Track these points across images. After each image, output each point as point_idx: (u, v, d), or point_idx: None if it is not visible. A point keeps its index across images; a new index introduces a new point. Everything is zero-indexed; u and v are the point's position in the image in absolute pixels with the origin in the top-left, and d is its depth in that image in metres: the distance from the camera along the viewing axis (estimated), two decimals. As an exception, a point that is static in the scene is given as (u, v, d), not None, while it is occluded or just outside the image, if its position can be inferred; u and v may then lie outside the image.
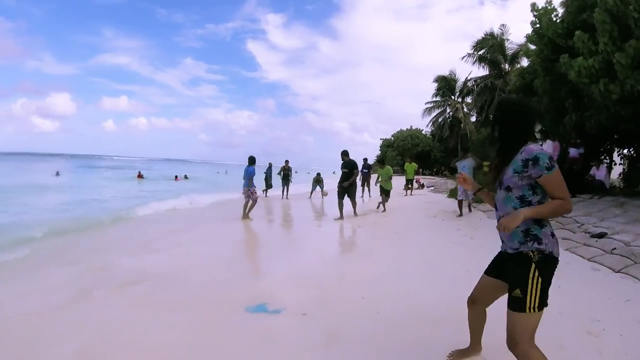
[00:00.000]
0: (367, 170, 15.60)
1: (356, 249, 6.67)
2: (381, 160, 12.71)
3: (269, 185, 16.33)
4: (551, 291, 1.90)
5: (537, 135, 13.87)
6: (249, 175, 9.63)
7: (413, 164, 17.63)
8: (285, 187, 16.02)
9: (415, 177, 19.27)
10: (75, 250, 6.22)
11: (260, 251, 6.76)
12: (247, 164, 9.94)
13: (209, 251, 6.43)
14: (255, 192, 9.84)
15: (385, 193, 10.76)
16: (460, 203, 9.32)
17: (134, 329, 3.36)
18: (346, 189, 9.47)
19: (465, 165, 8.72)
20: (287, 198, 15.70)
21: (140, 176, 30.72)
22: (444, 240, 6.73)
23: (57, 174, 29.74)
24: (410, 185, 17.31)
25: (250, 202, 9.76)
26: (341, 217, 9.32)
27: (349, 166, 9.49)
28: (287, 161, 16.11)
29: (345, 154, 9.58)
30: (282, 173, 16.02)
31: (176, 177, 32.83)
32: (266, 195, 15.79)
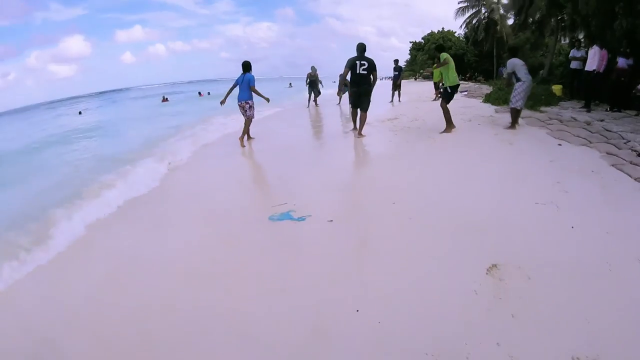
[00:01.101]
0: (397, 73, 14.72)
1: (387, 154, 6.23)
2: (439, 47, 7.97)
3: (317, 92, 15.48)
4: (599, 207, 1.54)
5: (582, 42, 12.46)
6: (249, 84, 7.47)
7: None
8: (313, 94, 15.36)
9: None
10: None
11: (285, 159, 6.37)
12: (242, 72, 7.58)
13: (231, 164, 6.31)
14: (252, 108, 7.73)
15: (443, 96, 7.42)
16: (515, 112, 7.41)
17: (159, 247, 3.33)
18: (358, 95, 7.32)
19: (515, 64, 7.15)
20: (316, 105, 15.11)
21: (165, 100, 29.54)
22: (481, 145, 6.20)
23: (80, 113, 29.01)
24: (437, 89, 14.90)
25: (246, 120, 7.73)
26: (355, 127, 7.80)
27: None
28: (313, 67, 15.27)
29: (357, 48, 7.13)
30: (308, 80, 15.27)
31: (200, 93, 32.99)
32: (317, 104, 15.22)
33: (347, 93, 12.82)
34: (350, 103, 7.90)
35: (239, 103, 7.62)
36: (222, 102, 7.58)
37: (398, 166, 5.29)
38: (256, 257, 2.93)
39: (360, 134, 7.50)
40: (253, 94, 7.56)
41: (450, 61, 7.04)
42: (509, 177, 4.44)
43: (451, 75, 7.14)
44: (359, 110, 7.49)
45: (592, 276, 2.37)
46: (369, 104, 7.39)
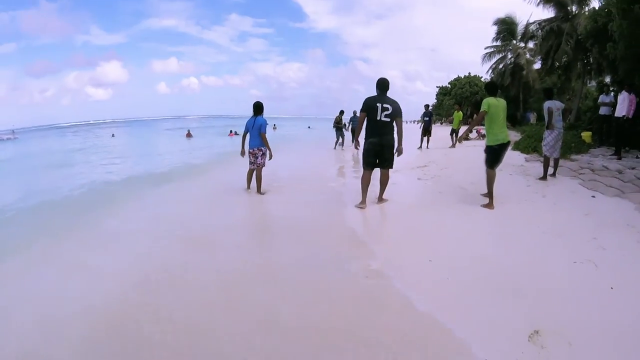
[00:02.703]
0: (428, 119, 14.83)
1: (419, 204, 6.21)
2: (489, 86, 5.82)
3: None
4: (637, 265, 1.53)
5: (610, 87, 12.43)
6: (260, 129, 6.64)
7: (460, 112, 15.98)
8: (341, 138, 15.71)
9: (476, 127, 17.85)
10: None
11: (311, 206, 6.16)
12: (252, 114, 6.77)
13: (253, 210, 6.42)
14: (265, 156, 6.88)
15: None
16: (547, 161, 7.26)
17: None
18: (380, 149, 5.56)
19: (550, 107, 6.85)
20: (342, 149, 15.24)
21: (189, 135, 29.75)
22: (513, 197, 6.18)
23: (113, 135, 35.18)
24: (455, 136, 15.24)
25: (256, 169, 6.88)
26: (363, 201, 5.85)
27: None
28: (341, 111, 15.86)
29: (378, 84, 5.58)
30: (335, 124, 15.78)
31: (230, 132, 31.37)
32: (343, 148, 15.50)
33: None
34: (363, 161, 5.77)
35: (250, 150, 6.81)
36: (242, 154, 7.05)
37: (430, 218, 5.34)
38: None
39: (381, 198, 6.05)
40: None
41: (490, 111, 5.34)
42: (545, 233, 4.46)
43: (493, 130, 5.44)
44: (378, 169, 5.79)
45: (634, 341, 2.37)
46: (393, 159, 5.72)
